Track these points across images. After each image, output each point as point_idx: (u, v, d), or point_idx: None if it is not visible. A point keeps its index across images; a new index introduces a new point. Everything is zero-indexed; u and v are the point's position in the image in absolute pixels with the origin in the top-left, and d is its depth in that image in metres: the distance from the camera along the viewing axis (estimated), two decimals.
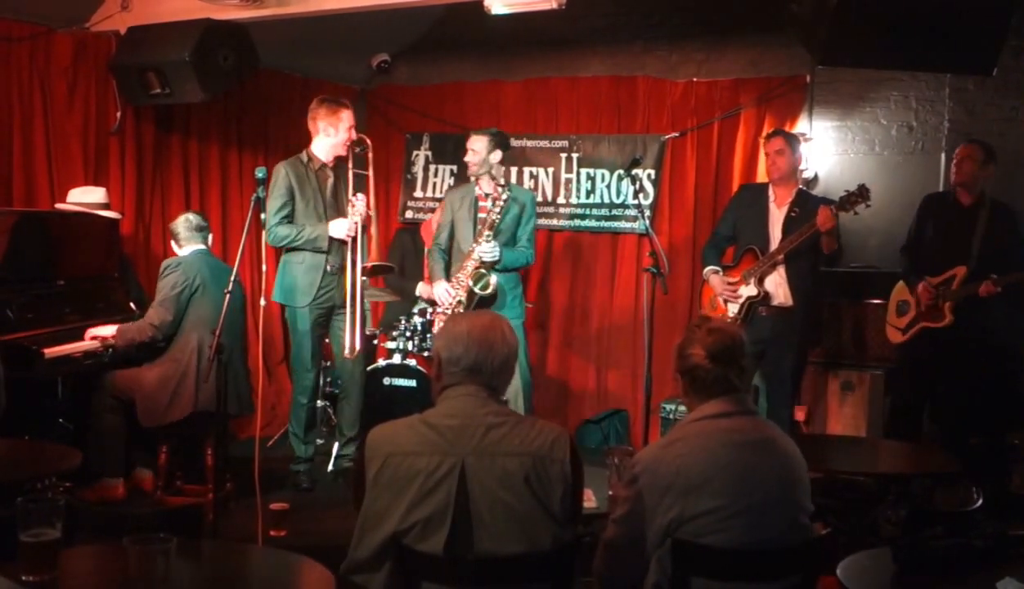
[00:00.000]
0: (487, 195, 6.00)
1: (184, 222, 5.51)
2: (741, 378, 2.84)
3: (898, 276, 5.95)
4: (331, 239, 5.66)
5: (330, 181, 5.76)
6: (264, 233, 4.98)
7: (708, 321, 2.91)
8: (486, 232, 5.87)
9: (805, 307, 5.80)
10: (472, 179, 6.14)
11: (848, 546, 2.96)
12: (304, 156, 5.79)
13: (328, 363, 6.61)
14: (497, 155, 6.02)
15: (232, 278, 4.54)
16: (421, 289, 6.92)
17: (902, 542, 2.80)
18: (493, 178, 6.01)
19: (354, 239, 5.62)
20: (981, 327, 5.56)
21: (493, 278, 5.88)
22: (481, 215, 5.97)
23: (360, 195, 5.69)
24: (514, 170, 7.75)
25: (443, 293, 6.01)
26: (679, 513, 2.62)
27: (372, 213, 5.71)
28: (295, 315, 5.82)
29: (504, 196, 5.91)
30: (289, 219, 5.69)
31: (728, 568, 2.62)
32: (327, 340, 6.08)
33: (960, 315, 5.51)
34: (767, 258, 5.73)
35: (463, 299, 5.90)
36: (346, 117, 5.69)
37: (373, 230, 5.69)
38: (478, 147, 5.98)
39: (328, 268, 5.71)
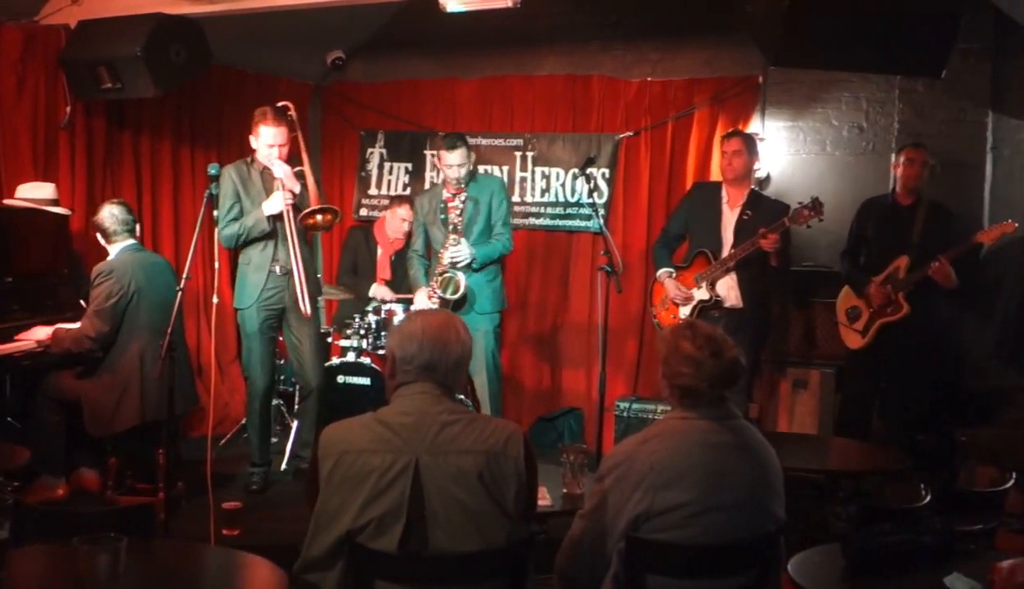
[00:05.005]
0: (454, 195, 5.94)
1: (110, 217, 5.27)
2: (732, 391, 2.84)
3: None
4: (278, 244, 5.59)
5: (276, 182, 5.58)
6: (216, 235, 5.24)
7: (711, 342, 2.79)
8: (451, 236, 5.83)
9: (755, 308, 5.87)
10: (440, 182, 6.06)
11: (799, 542, 2.99)
12: (249, 158, 5.71)
13: (283, 361, 6.54)
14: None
15: (184, 277, 4.51)
16: (375, 290, 6.90)
17: (852, 538, 2.83)
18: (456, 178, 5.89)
19: (294, 208, 5.50)
20: (931, 322, 5.65)
21: (460, 279, 5.83)
22: (452, 215, 5.92)
23: (278, 161, 5.50)
24: None
25: (424, 301, 5.92)
26: (647, 508, 2.63)
27: (304, 168, 5.53)
28: (243, 317, 5.74)
29: (463, 197, 5.88)
30: (237, 220, 5.60)
31: (681, 565, 2.63)
32: (280, 338, 5.99)
33: (915, 302, 5.59)
34: (719, 264, 5.79)
35: (437, 305, 5.83)
36: (264, 132, 5.51)
37: (311, 180, 5.50)
38: (463, 159, 5.85)
39: (277, 269, 5.63)
